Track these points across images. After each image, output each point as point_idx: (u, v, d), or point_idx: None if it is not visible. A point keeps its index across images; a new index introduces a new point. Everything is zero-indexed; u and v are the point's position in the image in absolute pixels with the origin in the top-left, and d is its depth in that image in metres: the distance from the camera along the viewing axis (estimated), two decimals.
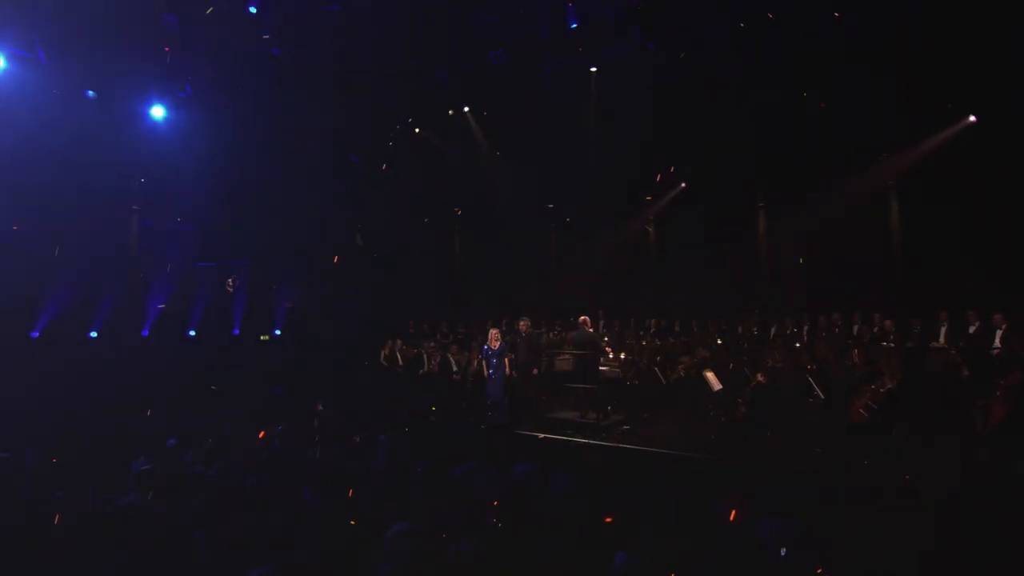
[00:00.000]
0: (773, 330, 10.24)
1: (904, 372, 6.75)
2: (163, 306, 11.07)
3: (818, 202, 10.97)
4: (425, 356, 10.76)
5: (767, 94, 9.85)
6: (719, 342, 9.85)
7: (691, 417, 7.62)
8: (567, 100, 11.85)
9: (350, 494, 4.08)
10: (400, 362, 10.87)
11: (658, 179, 12.92)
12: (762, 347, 9.25)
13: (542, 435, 7.49)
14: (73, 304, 9.73)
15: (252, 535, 3.47)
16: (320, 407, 7.84)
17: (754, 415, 6.98)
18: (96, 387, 8.61)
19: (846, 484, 5.39)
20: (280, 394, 10.08)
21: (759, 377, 7.27)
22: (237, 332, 12.08)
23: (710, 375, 7.55)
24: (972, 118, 9.57)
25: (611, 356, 8.90)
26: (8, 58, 8.36)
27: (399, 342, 11.15)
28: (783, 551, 2.84)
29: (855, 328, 9.35)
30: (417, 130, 13.51)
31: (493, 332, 8.61)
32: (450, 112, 13.13)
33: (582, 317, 8.79)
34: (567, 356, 8.38)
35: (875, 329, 8.88)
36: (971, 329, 8.12)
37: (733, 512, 3.37)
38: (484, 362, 8.58)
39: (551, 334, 10.55)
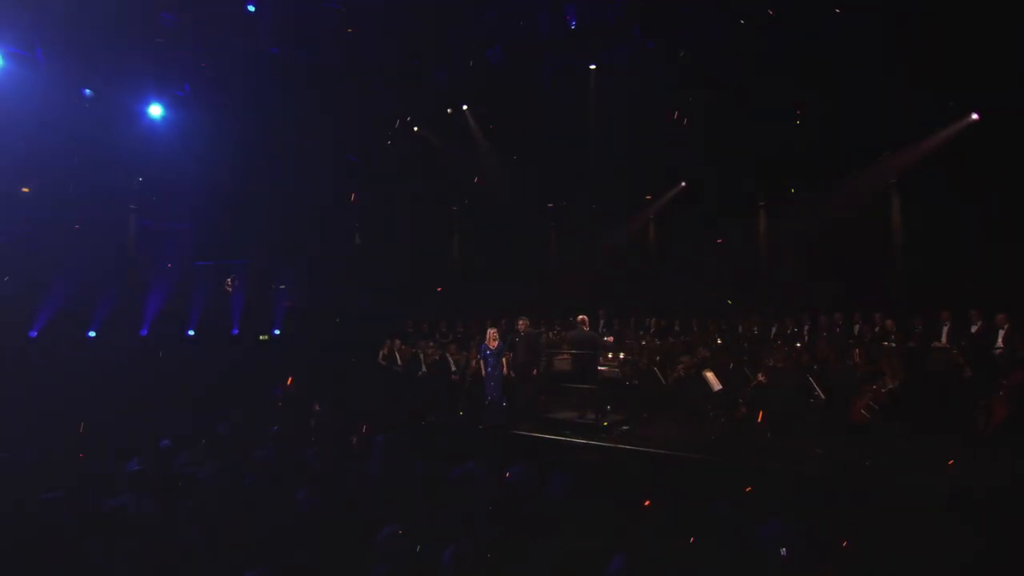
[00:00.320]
0: (773, 330, 10.18)
1: (906, 372, 6.71)
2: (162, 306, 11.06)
3: (819, 201, 10.91)
4: (422, 356, 10.71)
5: (767, 93, 9.81)
6: (719, 342, 9.80)
7: (691, 417, 7.57)
8: (567, 100, 11.80)
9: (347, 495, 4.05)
10: (399, 362, 10.82)
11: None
12: (762, 347, 9.19)
13: (539, 434, 7.44)
14: (71, 304, 9.72)
15: (248, 536, 3.44)
16: (317, 407, 7.81)
17: (754, 415, 6.93)
18: (95, 387, 8.58)
19: (847, 485, 5.35)
20: (279, 394, 10.06)
21: (759, 377, 7.23)
22: (236, 332, 12.06)
23: (710, 375, 7.50)
24: (974, 116, 9.52)
25: (611, 356, 8.85)
26: (6, 57, 8.34)
27: (398, 342, 11.09)
28: (783, 551, 2.81)
29: (856, 328, 9.29)
30: (416, 128, 13.48)
31: (491, 332, 8.58)
32: (449, 111, 13.09)
33: (580, 316, 8.75)
34: (566, 356, 8.33)
35: (876, 329, 8.82)
36: (973, 329, 8.06)
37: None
38: (482, 361, 8.55)
39: (550, 334, 10.50)
